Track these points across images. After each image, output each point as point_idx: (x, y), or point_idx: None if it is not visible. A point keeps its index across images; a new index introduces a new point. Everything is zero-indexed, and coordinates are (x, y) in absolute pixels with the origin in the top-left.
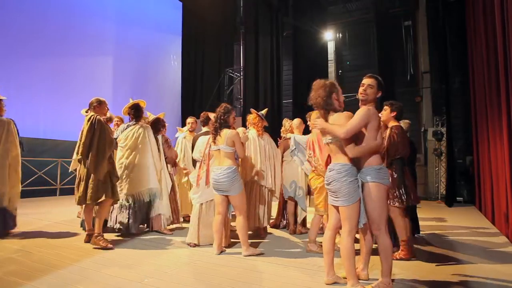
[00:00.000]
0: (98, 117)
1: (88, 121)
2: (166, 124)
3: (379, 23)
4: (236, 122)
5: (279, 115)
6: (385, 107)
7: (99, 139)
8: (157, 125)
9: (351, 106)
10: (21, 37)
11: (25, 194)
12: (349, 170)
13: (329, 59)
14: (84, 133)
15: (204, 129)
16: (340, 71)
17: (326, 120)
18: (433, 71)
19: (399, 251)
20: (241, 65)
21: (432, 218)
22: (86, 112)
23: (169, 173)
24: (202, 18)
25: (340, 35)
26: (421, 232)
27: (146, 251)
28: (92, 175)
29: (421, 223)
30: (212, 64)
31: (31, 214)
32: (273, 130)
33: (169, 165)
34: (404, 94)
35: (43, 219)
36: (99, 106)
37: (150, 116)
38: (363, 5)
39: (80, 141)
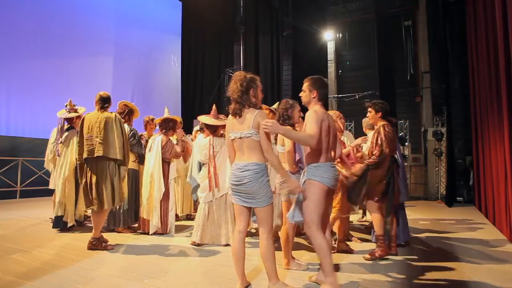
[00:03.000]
0: (119, 116)
1: (115, 120)
2: (177, 129)
3: (379, 23)
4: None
5: None
6: (369, 109)
7: (125, 140)
8: (165, 124)
9: (351, 106)
10: (21, 37)
11: (25, 194)
12: (265, 170)
13: (329, 59)
14: (118, 133)
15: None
16: (340, 71)
17: (241, 115)
18: (433, 71)
19: (376, 249)
20: (241, 65)
21: (432, 218)
22: (71, 111)
23: (164, 178)
24: (202, 18)
25: (340, 35)
26: (419, 232)
27: (146, 251)
28: (115, 178)
29: (421, 223)
30: (212, 64)
31: (31, 214)
32: None
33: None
34: (404, 94)
35: (43, 219)
36: (109, 102)
37: (167, 112)
38: (363, 5)
39: (92, 139)
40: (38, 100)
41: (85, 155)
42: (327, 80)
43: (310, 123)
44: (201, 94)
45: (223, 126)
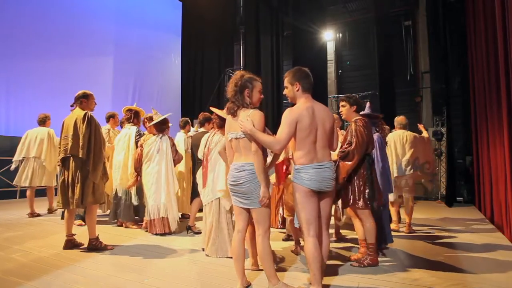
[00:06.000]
0: (91, 114)
1: (84, 118)
2: (170, 125)
3: (379, 23)
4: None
5: (278, 115)
6: (343, 102)
7: (95, 139)
8: (162, 125)
9: None
10: (21, 38)
11: (25, 194)
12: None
13: (329, 59)
14: (82, 131)
15: (201, 129)
16: (340, 71)
17: (235, 115)
18: (433, 71)
19: (366, 256)
20: (241, 65)
21: (432, 218)
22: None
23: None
24: (202, 18)
25: (340, 35)
26: (419, 232)
27: (146, 251)
28: (88, 177)
29: (420, 223)
30: (212, 64)
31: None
32: (273, 130)
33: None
34: (404, 94)
35: (43, 219)
36: (86, 100)
37: (155, 114)
38: (363, 5)
39: (68, 138)
40: (38, 100)
41: (61, 155)
42: (308, 70)
43: (281, 125)
44: (201, 94)
45: None
